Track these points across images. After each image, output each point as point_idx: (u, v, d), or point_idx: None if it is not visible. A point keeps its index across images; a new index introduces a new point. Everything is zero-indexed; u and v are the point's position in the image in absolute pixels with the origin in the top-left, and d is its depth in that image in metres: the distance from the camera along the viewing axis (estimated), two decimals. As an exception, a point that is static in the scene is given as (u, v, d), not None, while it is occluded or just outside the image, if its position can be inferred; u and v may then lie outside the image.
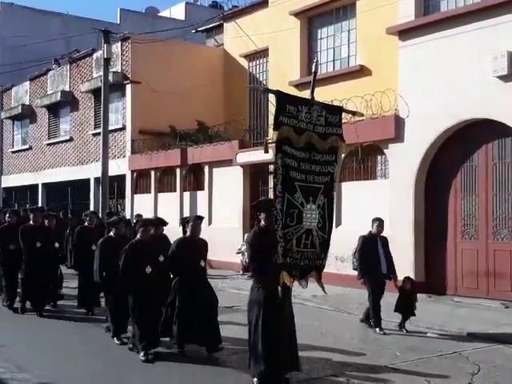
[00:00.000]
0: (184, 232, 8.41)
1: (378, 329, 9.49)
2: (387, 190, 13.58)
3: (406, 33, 13.34)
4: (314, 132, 6.55)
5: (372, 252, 9.72)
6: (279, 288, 6.30)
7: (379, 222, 9.99)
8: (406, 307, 9.60)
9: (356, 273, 10.07)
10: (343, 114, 7.18)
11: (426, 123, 12.77)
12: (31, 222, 11.06)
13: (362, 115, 8.10)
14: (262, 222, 6.89)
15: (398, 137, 13.33)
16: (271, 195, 6.61)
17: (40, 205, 24.01)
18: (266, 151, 7.07)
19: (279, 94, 6.50)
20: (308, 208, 6.43)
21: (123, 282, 7.97)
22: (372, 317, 9.66)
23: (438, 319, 10.25)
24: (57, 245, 11.20)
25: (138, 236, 8.18)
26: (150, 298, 7.84)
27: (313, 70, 6.98)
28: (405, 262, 12.94)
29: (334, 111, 6.89)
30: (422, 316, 10.48)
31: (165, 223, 9.34)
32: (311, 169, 6.54)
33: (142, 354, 7.72)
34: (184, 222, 8.54)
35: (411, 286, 9.80)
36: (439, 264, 12.86)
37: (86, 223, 11.78)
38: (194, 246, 8.16)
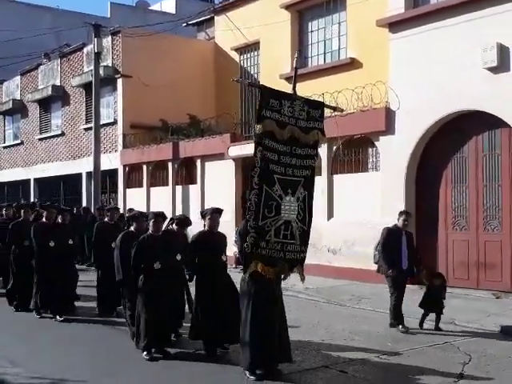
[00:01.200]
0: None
1: (400, 326, 9.06)
2: (378, 183, 13.63)
3: (396, 25, 13.36)
4: (296, 126, 6.71)
5: (395, 246, 9.22)
6: (246, 276, 6.51)
7: (406, 216, 9.44)
8: (433, 304, 9.11)
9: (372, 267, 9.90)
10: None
11: (417, 115, 12.81)
12: (44, 220, 10.33)
13: (342, 110, 8.22)
14: None
15: (389, 129, 13.37)
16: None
17: (32, 200, 24.00)
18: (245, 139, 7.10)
19: (263, 89, 6.66)
20: (287, 200, 6.60)
21: (133, 278, 7.70)
22: (393, 314, 9.20)
23: (429, 310, 10.33)
24: (70, 241, 10.31)
25: (150, 230, 7.88)
26: (159, 297, 7.56)
27: (294, 66, 7.14)
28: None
29: (316, 106, 7.09)
30: (415, 307, 10.58)
31: (189, 223, 8.94)
32: (291, 162, 6.70)
33: (145, 353, 7.52)
34: (201, 215, 8.13)
35: (441, 282, 9.34)
36: (430, 255, 12.91)
37: (106, 219, 10.97)
38: (212, 241, 7.83)
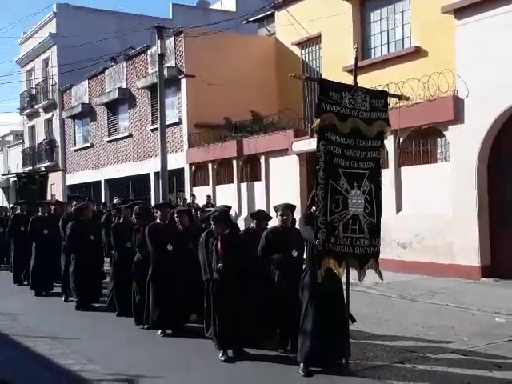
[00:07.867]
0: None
1: None
2: (448, 173, 13.26)
3: (462, 11, 12.94)
4: (358, 118, 6.61)
5: None
6: (320, 273, 6.38)
7: None
8: None
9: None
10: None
11: (487, 103, 12.38)
12: (158, 220, 9.27)
13: (408, 99, 7.92)
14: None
15: (458, 118, 12.97)
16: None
17: (103, 201, 24.61)
18: (312, 136, 7.06)
19: (322, 82, 6.63)
20: (353, 194, 6.52)
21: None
22: None
23: (506, 303, 9.97)
24: (191, 246, 8.95)
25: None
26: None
27: (354, 56, 7.08)
28: (469, 245, 12.66)
29: (379, 96, 6.96)
30: (490, 300, 10.26)
31: (265, 217, 8.34)
32: (355, 155, 6.60)
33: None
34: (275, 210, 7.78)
35: None
36: (506, 247, 12.49)
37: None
38: (283, 237, 7.52)
